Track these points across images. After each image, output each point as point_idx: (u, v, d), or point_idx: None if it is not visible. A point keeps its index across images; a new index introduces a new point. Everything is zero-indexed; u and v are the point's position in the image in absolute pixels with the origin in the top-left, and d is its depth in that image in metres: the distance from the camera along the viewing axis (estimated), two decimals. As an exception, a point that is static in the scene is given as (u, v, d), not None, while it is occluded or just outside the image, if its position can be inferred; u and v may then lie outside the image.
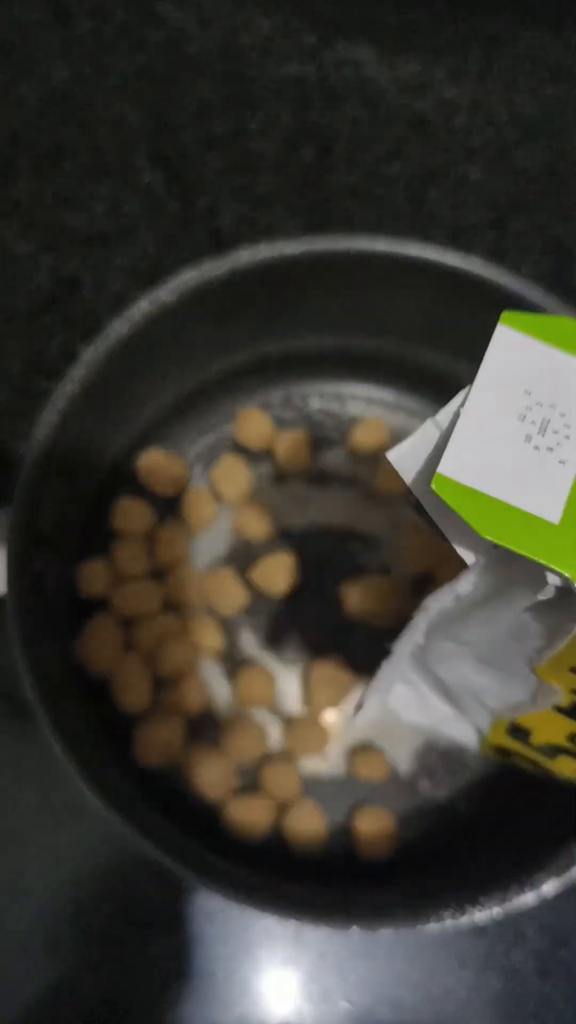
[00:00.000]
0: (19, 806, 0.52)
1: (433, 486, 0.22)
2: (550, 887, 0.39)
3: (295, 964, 0.50)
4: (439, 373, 0.58)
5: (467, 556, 0.24)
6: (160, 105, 0.68)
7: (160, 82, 0.69)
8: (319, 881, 0.49)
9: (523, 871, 0.40)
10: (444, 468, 0.22)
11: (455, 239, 0.65)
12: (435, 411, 0.24)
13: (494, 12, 0.72)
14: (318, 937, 0.51)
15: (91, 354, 0.45)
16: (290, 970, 0.50)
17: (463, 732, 0.39)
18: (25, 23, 0.70)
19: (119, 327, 0.46)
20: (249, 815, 0.49)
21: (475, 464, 0.22)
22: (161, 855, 0.38)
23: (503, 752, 0.38)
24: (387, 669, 0.33)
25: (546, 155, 0.68)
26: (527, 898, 0.39)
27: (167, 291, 0.46)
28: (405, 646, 0.31)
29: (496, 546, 0.22)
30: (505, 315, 0.24)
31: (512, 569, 0.23)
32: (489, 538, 0.22)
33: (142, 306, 0.46)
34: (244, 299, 0.50)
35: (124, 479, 0.55)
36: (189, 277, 0.47)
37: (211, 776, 0.49)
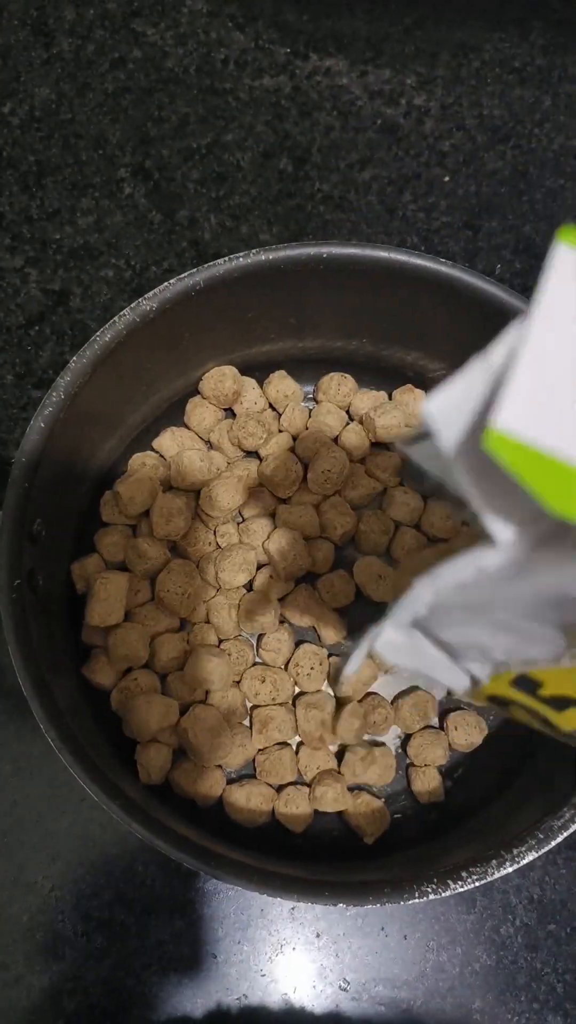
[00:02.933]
0: (21, 798, 0.54)
1: (487, 444, 0.17)
2: (528, 858, 0.41)
3: (292, 944, 0.52)
4: (416, 372, 0.60)
5: (500, 531, 0.19)
6: (140, 120, 0.70)
7: (139, 98, 0.71)
8: (315, 861, 0.51)
9: (503, 845, 0.41)
10: (502, 420, 0.17)
11: (428, 241, 0.67)
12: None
13: (462, 20, 0.74)
14: (313, 916, 0.52)
15: (76, 363, 0.47)
16: (287, 950, 0.52)
17: (453, 678, 0.34)
18: (7, 44, 0.72)
19: (103, 336, 0.48)
20: (247, 800, 0.51)
21: (541, 415, 0.17)
22: (162, 844, 0.40)
23: (498, 701, 0.34)
24: (376, 635, 0.30)
25: (515, 156, 0.70)
26: (506, 870, 0.40)
27: (148, 300, 0.48)
28: (404, 615, 0.27)
29: (564, 522, 0.17)
30: (563, 231, 0.19)
31: (566, 542, 0.19)
32: (561, 512, 0.17)
33: (125, 315, 0.48)
34: (223, 306, 0.52)
35: (115, 480, 0.56)
36: (169, 286, 0.48)
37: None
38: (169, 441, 0.58)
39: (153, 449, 0.58)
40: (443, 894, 0.40)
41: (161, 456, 0.58)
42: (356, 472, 0.58)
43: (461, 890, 0.40)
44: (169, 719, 0.51)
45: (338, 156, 0.70)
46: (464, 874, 0.40)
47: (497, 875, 0.40)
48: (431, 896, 0.40)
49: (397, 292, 0.53)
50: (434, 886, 0.40)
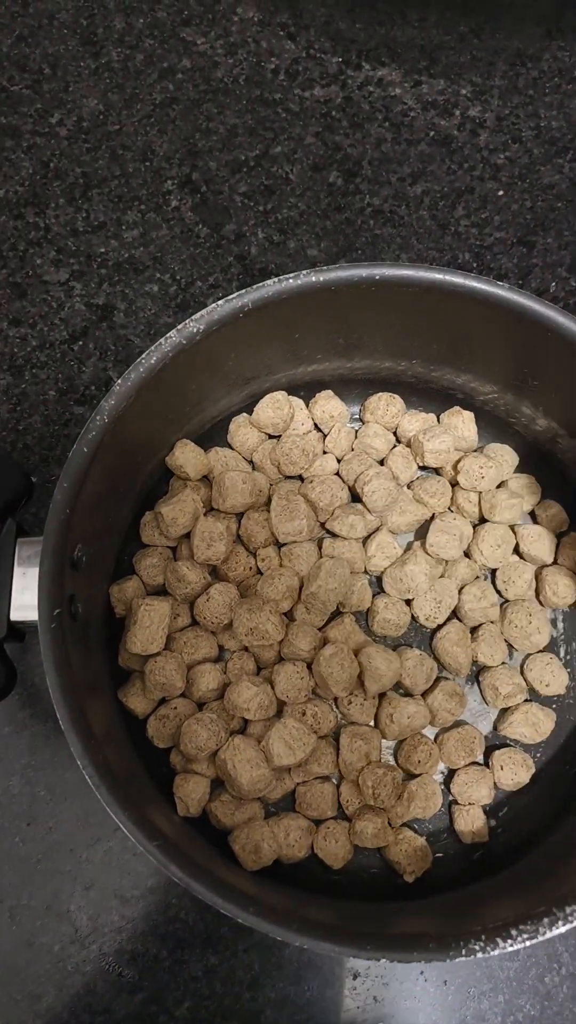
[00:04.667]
0: (56, 824, 0.53)
1: None
2: (582, 917, 0.39)
3: (329, 984, 0.51)
4: (465, 394, 0.58)
5: None
6: (188, 132, 0.69)
7: (188, 108, 0.70)
8: (353, 898, 0.50)
9: (555, 901, 0.40)
10: None
11: (480, 258, 0.65)
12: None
13: (519, 27, 0.72)
14: (351, 959, 0.51)
15: (121, 386, 0.46)
16: (324, 991, 0.50)
17: None
18: (56, 54, 0.72)
19: (148, 359, 0.46)
20: (286, 836, 0.50)
21: None
22: (200, 889, 0.39)
23: None
24: None
25: (573, 170, 0.68)
26: (559, 930, 0.38)
27: (195, 322, 0.47)
28: None
29: None
30: None
31: None
32: None
33: (171, 337, 0.47)
34: (270, 327, 0.50)
35: (155, 501, 0.55)
36: (217, 308, 0.47)
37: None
38: (212, 461, 0.57)
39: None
40: (491, 952, 0.38)
41: (204, 477, 0.57)
42: (403, 497, 0.56)
43: (510, 949, 0.38)
44: (219, 740, 0.50)
45: (389, 169, 0.68)
46: (514, 932, 0.39)
47: (549, 935, 0.38)
48: (479, 954, 0.38)
49: (449, 313, 0.51)
50: (482, 943, 0.38)
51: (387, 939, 0.39)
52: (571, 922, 0.38)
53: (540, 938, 0.38)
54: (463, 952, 0.38)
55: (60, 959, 0.50)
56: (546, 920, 0.39)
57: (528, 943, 0.38)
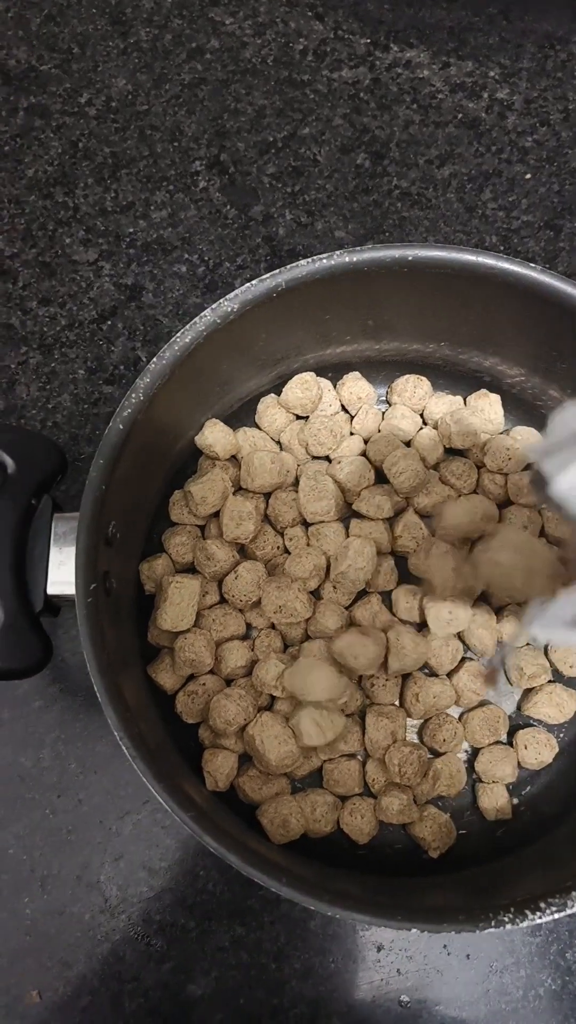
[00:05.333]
0: (86, 796, 0.54)
1: None
2: (610, 891, 0.39)
3: (352, 957, 0.51)
4: (492, 377, 0.58)
5: None
6: (216, 112, 0.69)
7: (216, 89, 0.70)
8: (379, 873, 0.51)
9: (582, 875, 0.40)
10: None
11: (507, 241, 0.65)
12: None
13: (549, 9, 0.72)
14: (375, 930, 0.52)
15: (157, 364, 0.46)
16: (347, 963, 0.51)
17: None
18: (85, 33, 0.72)
19: (183, 338, 0.47)
20: (312, 810, 0.50)
21: None
22: (234, 859, 0.40)
23: None
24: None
25: (602, 154, 0.68)
26: (587, 903, 0.39)
27: (230, 301, 0.47)
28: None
29: None
30: None
31: None
32: None
33: (206, 316, 0.47)
34: (302, 308, 0.51)
35: (184, 480, 0.56)
36: (251, 287, 0.48)
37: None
38: (241, 441, 0.57)
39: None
40: (520, 924, 0.39)
41: (233, 456, 0.57)
42: (430, 479, 0.56)
43: (539, 922, 0.39)
44: (248, 716, 0.51)
45: (417, 151, 0.68)
46: (543, 904, 0.39)
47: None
48: (508, 926, 0.39)
49: (479, 295, 0.51)
50: (511, 915, 0.39)
51: (417, 911, 0.40)
52: (599, 895, 0.39)
53: (568, 911, 0.39)
54: (492, 924, 0.39)
55: (90, 928, 0.51)
56: (574, 894, 0.39)
57: (556, 915, 0.39)
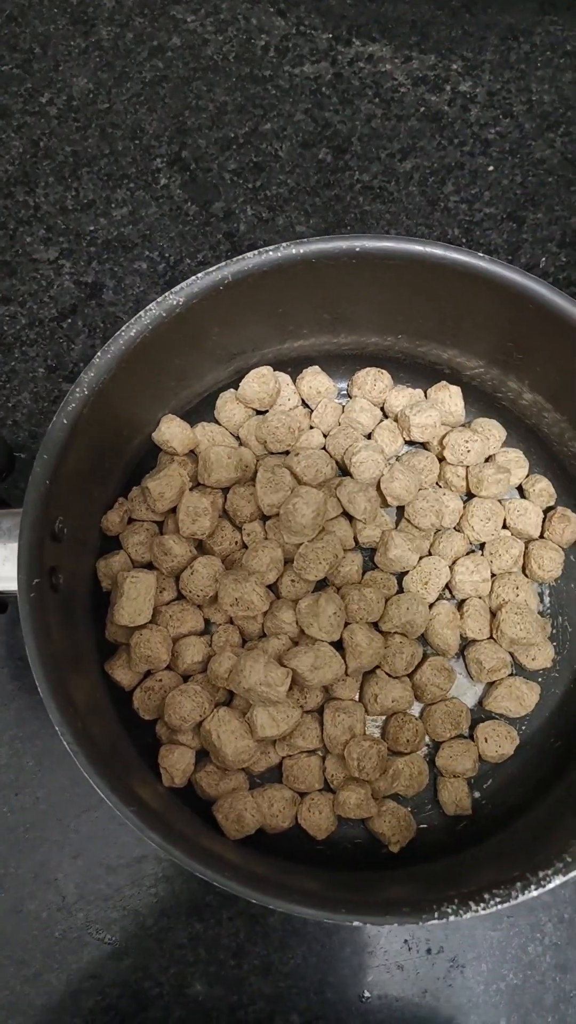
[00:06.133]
0: (44, 794, 0.54)
1: None
2: (555, 882, 0.39)
3: (313, 953, 0.51)
4: (452, 369, 0.58)
5: None
6: (177, 109, 0.69)
7: (177, 86, 0.70)
8: (339, 869, 0.50)
9: (528, 867, 0.40)
10: None
11: (470, 233, 0.65)
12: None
13: (512, 2, 0.72)
14: (334, 926, 0.51)
15: (101, 358, 0.46)
16: (308, 958, 0.51)
17: None
18: (46, 33, 0.72)
19: (128, 331, 0.47)
20: (270, 806, 0.50)
21: None
22: (177, 853, 0.39)
23: None
24: None
25: (565, 145, 0.68)
26: (531, 894, 0.39)
27: (175, 294, 0.47)
28: None
29: None
30: None
31: None
32: None
33: (151, 310, 0.47)
34: (253, 301, 0.51)
35: (143, 476, 0.56)
36: (196, 280, 0.47)
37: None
38: (199, 436, 0.57)
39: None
40: (464, 916, 0.38)
41: (192, 451, 0.57)
42: (397, 465, 0.56)
43: (482, 913, 0.38)
44: (203, 711, 0.50)
45: (379, 145, 0.68)
46: (487, 896, 0.39)
47: (521, 898, 0.39)
48: (451, 918, 0.38)
49: (433, 287, 0.51)
50: (455, 907, 0.39)
51: (362, 904, 0.40)
52: (543, 887, 0.39)
53: (513, 902, 0.38)
54: (436, 916, 0.38)
55: (47, 926, 0.51)
56: (519, 884, 0.39)
57: (500, 906, 0.38)
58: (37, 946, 0.51)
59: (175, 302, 0.47)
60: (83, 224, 0.66)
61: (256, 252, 0.48)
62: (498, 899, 0.39)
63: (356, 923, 0.38)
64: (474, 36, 0.71)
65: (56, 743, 0.54)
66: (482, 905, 0.39)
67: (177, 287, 0.47)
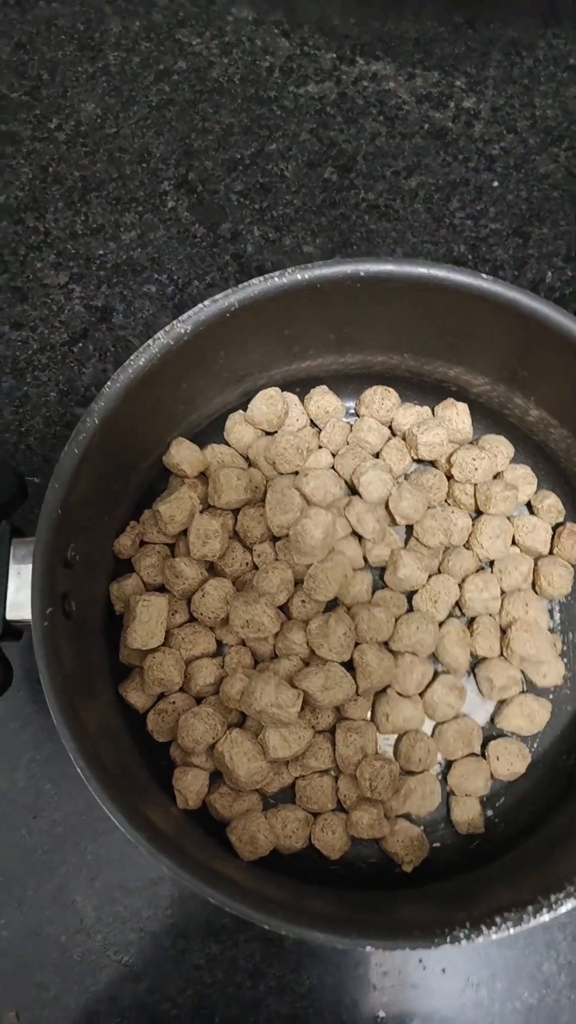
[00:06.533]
0: (62, 817, 0.54)
1: None
2: (567, 906, 0.39)
3: (329, 973, 0.51)
4: (459, 386, 0.58)
5: None
6: (184, 132, 0.70)
7: (184, 109, 0.71)
8: (353, 889, 0.50)
9: (541, 890, 0.40)
10: None
11: (476, 250, 0.65)
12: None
13: (514, 17, 0.72)
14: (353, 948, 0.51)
15: (110, 388, 0.47)
16: (324, 978, 0.51)
17: None
18: (54, 60, 0.73)
19: (137, 360, 0.47)
20: (283, 827, 0.50)
21: None
22: (187, 877, 0.40)
23: None
24: None
25: (570, 159, 0.68)
26: (543, 918, 0.39)
27: (182, 323, 0.48)
28: None
29: None
30: None
31: None
32: None
33: (159, 339, 0.48)
34: (259, 325, 0.51)
35: (154, 499, 0.56)
36: (203, 308, 0.48)
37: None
38: (208, 458, 0.57)
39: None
40: (476, 940, 0.38)
41: (202, 473, 0.58)
42: (405, 484, 0.56)
43: (495, 937, 0.38)
44: (216, 733, 0.51)
45: (384, 163, 0.68)
46: (499, 920, 0.39)
47: (533, 923, 0.39)
48: (463, 942, 0.38)
49: (437, 307, 0.51)
50: (467, 931, 0.39)
51: (374, 927, 0.40)
52: (555, 910, 0.39)
53: (525, 926, 0.39)
54: (447, 940, 0.39)
55: (66, 949, 0.52)
56: (531, 908, 0.39)
57: (512, 930, 0.38)
58: (56, 969, 0.51)
59: (183, 330, 0.48)
60: (92, 248, 0.67)
61: (262, 279, 0.48)
62: (510, 923, 0.39)
63: (367, 947, 0.38)
64: (477, 52, 0.71)
65: (73, 766, 0.54)
66: (494, 929, 0.39)
67: (184, 315, 0.48)
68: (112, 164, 0.69)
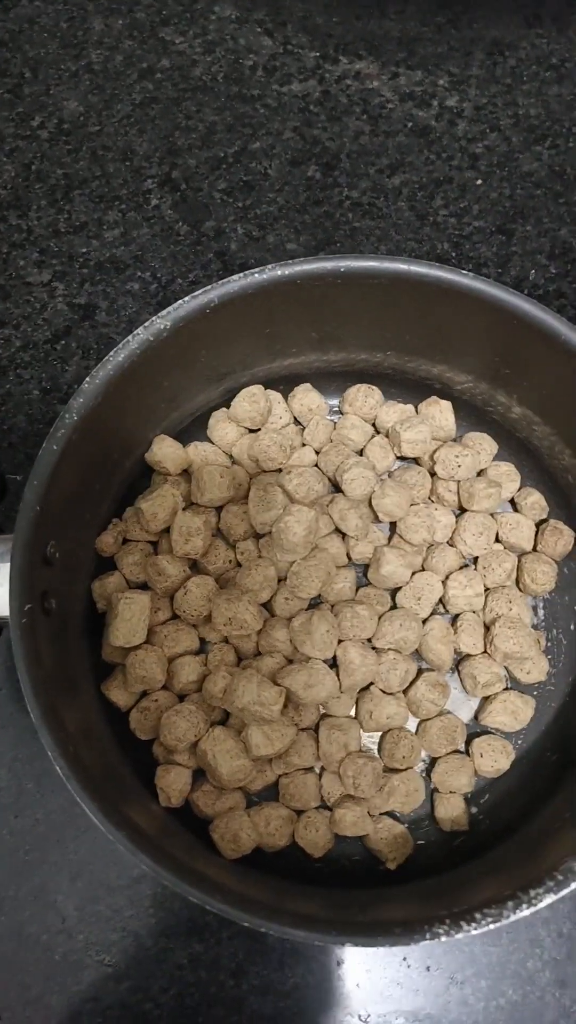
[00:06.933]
0: (43, 815, 0.54)
1: None
2: (546, 900, 0.39)
3: (312, 972, 0.51)
4: (442, 384, 0.58)
5: None
6: (167, 130, 0.70)
7: (167, 107, 0.71)
8: (337, 886, 0.50)
9: (521, 886, 0.40)
10: None
11: (459, 247, 0.65)
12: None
13: (497, 16, 0.72)
14: (334, 946, 0.51)
15: (89, 384, 0.47)
16: (307, 977, 0.51)
17: None
18: (36, 58, 0.72)
19: (116, 356, 0.47)
20: (266, 824, 0.50)
21: None
22: (167, 876, 0.39)
23: None
24: None
25: (553, 157, 0.68)
26: (523, 913, 0.39)
27: (161, 319, 0.48)
28: None
29: None
30: None
31: None
32: None
33: (138, 335, 0.48)
34: (240, 322, 0.51)
35: (136, 496, 0.56)
36: (183, 304, 0.48)
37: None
38: (191, 455, 0.57)
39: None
40: (456, 936, 0.38)
41: (185, 471, 0.57)
42: (388, 482, 0.56)
43: (475, 932, 0.38)
44: (199, 731, 0.50)
45: (367, 161, 0.68)
46: (479, 915, 0.39)
47: (513, 918, 0.38)
48: (443, 938, 0.38)
49: (419, 304, 0.51)
50: (446, 927, 0.39)
51: (354, 925, 0.40)
52: (535, 905, 0.39)
53: (505, 921, 0.38)
54: (427, 936, 0.38)
55: (48, 948, 0.51)
56: (511, 903, 0.39)
57: (492, 926, 0.38)
58: (38, 969, 0.51)
59: (162, 326, 0.48)
60: (75, 246, 0.67)
61: (242, 275, 0.48)
62: (490, 919, 0.39)
63: (348, 945, 0.38)
64: (460, 51, 0.72)
65: (54, 765, 0.54)
66: (474, 925, 0.39)
67: (164, 311, 0.47)
68: (95, 162, 0.69)
